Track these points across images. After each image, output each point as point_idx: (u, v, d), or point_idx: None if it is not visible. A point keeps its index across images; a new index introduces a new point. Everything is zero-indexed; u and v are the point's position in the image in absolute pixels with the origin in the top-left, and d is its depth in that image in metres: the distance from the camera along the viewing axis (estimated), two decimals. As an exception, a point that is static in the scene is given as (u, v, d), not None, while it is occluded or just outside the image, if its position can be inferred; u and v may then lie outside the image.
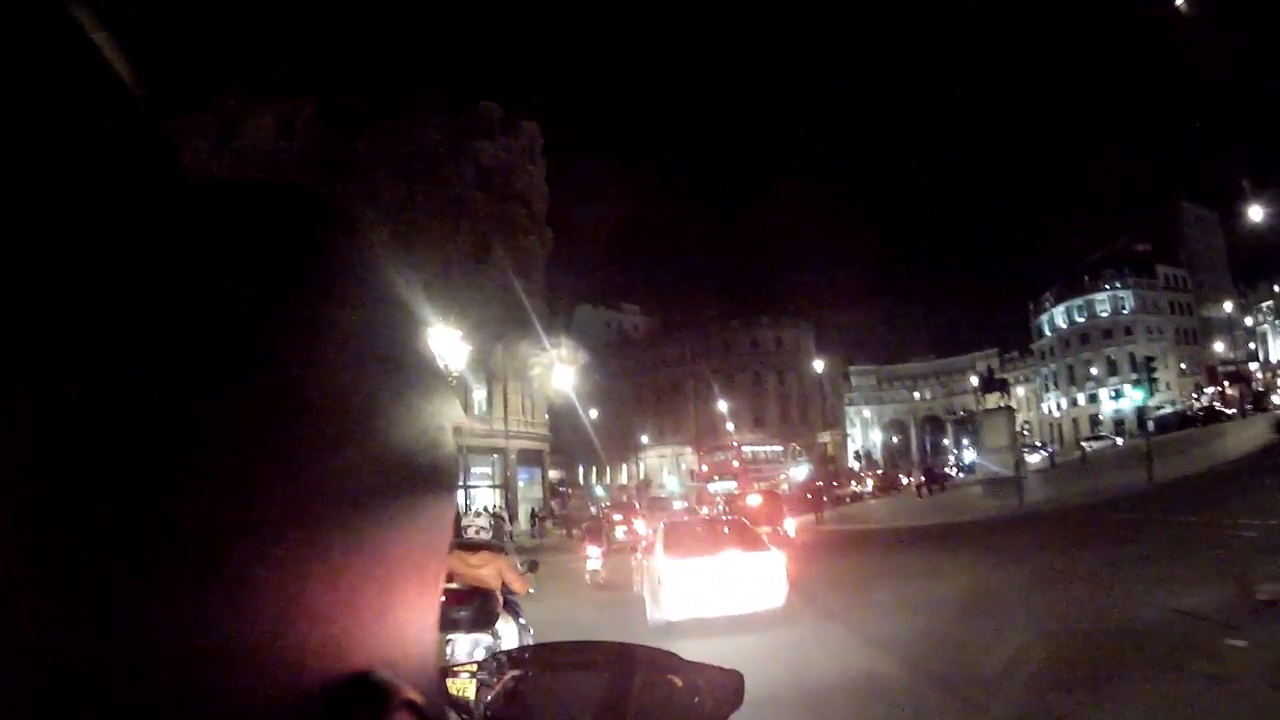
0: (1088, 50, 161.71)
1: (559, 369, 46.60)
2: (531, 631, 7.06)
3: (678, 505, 50.07)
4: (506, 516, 40.73)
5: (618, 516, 33.17)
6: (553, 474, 68.17)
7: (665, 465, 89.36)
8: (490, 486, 47.62)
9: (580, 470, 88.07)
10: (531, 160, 54.08)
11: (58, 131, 0.39)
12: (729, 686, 1.37)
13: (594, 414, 74.52)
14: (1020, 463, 44.56)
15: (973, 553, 18.19)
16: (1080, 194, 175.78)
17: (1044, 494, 28.47)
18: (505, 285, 47.53)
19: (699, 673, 1.39)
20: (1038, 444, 72.07)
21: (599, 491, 70.51)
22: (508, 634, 6.46)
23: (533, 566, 7.84)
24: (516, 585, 6.66)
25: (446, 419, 0.66)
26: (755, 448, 51.80)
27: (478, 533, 7.40)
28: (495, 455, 46.80)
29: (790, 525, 24.13)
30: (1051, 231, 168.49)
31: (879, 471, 75.46)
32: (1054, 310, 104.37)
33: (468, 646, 5.77)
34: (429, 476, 0.62)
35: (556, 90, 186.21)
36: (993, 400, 53.66)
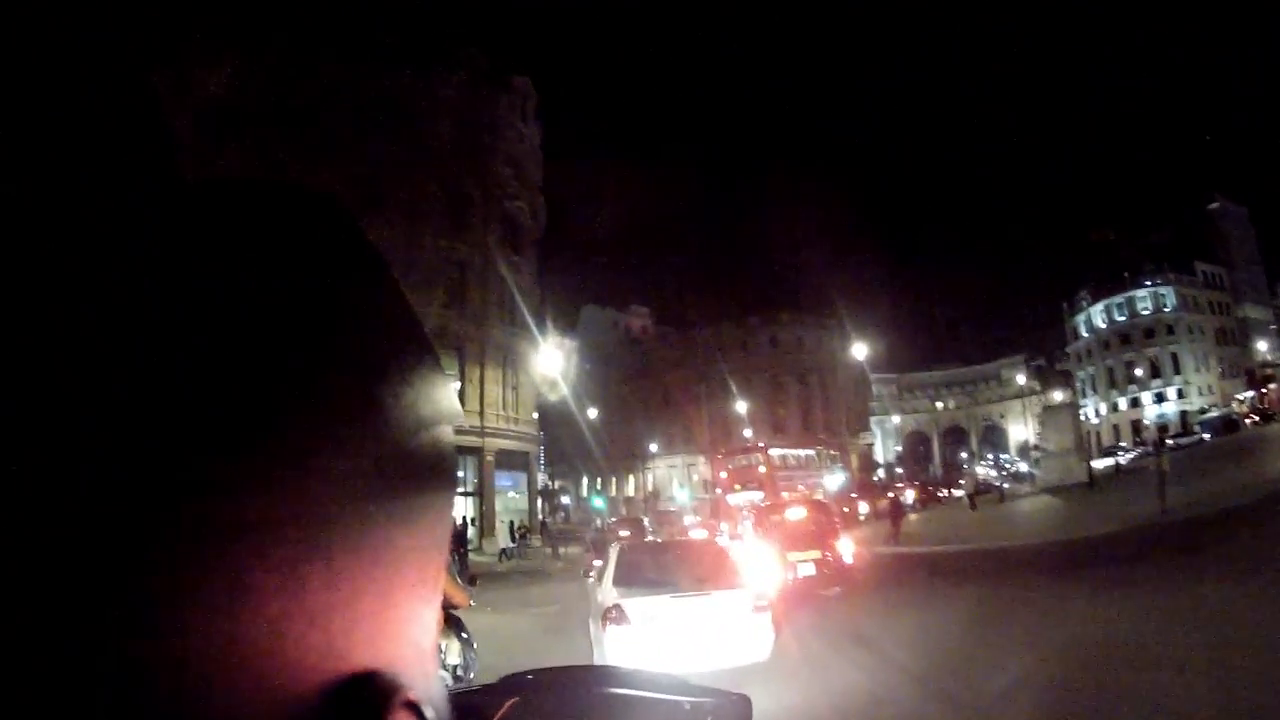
0: (1113, 43, 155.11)
1: (549, 357, 38.90)
2: (475, 645, 7.50)
3: (688, 520, 43.58)
4: (466, 530, 34.02)
5: (625, 532, 31.21)
6: (553, 482, 61.67)
7: (675, 476, 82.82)
8: (461, 493, 39.56)
9: (584, 481, 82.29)
10: (523, 119, 46.84)
11: (56, 132, 0.39)
12: (735, 710, 1.35)
13: (598, 420, 68.58)
14: (1090, 465, 38.21)
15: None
16: (1107, 192, 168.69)
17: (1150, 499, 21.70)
18: (486, 256, 40.38)
19: (704, 695, 1.37)
20: (1122, 445, 65.46)
21: (598, 503, 64.17)
22: (450, 649, 6.84)
23: (471, 580, 7.92)
24: (456, 598, 6.78)
25: (447, 418, 0.66)
26: (784, 451, 43.78)
27: None
28: (469, 456, 39.22)
29: (846, 548, 16.85)
30: (1079, 233, 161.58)
31: (919, 482, 67.93)
32: (1091, 309, 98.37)
33: None
34: (429, 475, 0.62)
35: (561, 81, 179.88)
36: (1041, 397, 46.66)
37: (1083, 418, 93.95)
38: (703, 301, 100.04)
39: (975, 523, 31.08)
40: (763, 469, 39.61)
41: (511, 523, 38.18)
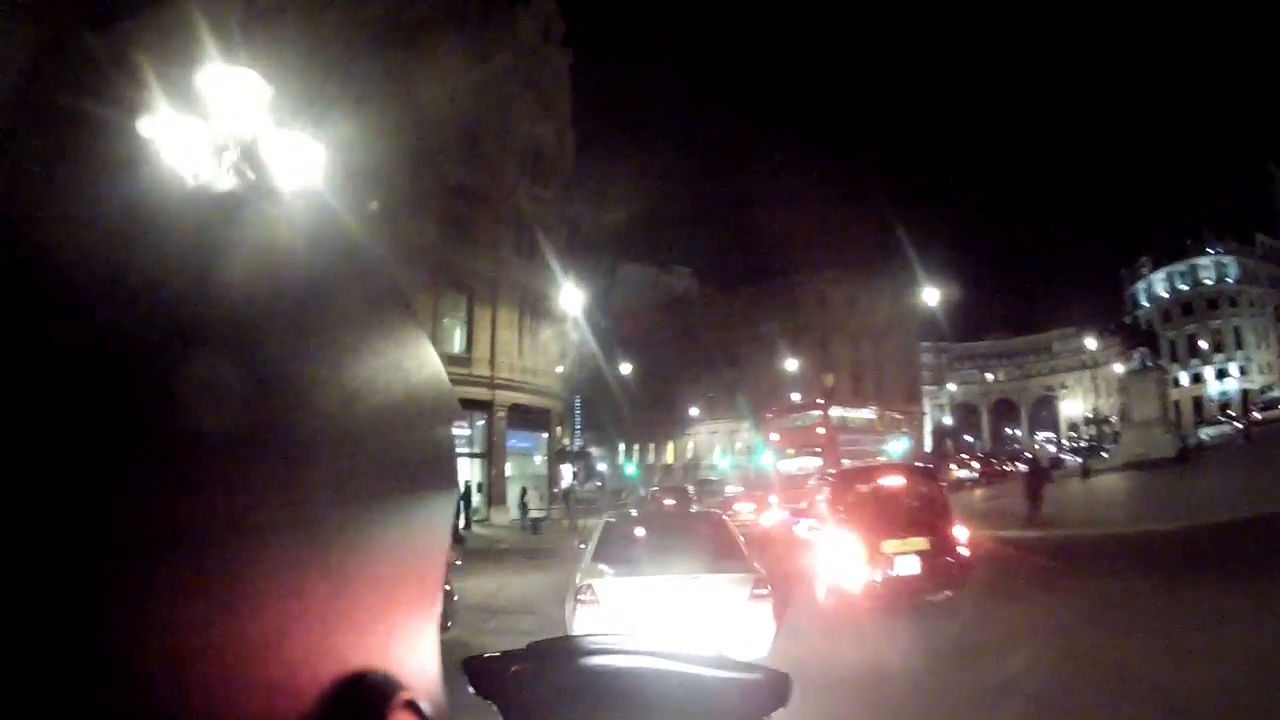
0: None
1: (573, 300, 33.12)
2: (456, 597, 8.74)
3: (730, 490, 39.15)
4: (470, 494, 29.37)
5: (669, 501, 29.43)
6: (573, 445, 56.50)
7: (717, 442, 78.56)
8: (467, 454, 33.84)
9: (620, 448, 78.00)
10: (545, 39, 41.39)
11: (62, 134, 0.40)
12: (774, 685, 1.36)
13: (636, 384, 64.06)
14: (1187, 436, 36.31)
15: None
16: (1164, 161, 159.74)
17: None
18: (502, 185, 35.28)
19: (743, 670, 1.40)
20: (1229, 415, 60.73)
21: (631, 471, 59.39)
22: None
23: (458, 539, 8.67)
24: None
25: (446, 417, 0.67)
26: (844, 411, 37.50)
27: None
28: (475, 411, 33.53)
29: (962, 534, 11.81)
30: (1138, 198, 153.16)
31: (981, 455, 62.61)
32: (1153, 277, 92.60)
33: None
34: (428, 476, 0.62)
35: (602, 27, 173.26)
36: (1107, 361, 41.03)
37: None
38: (747, 260, 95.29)
39: (1097, 500, 25.89)
40: (822, 430, 33.46)
41: (524, 490, 32.84)
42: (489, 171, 35.07)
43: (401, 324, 0.60)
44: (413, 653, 0.59)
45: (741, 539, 9.40)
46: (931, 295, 36.44)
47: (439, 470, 0.63)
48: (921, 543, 11.21)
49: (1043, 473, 23.00)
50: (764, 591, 8.08)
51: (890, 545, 11.10)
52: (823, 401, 39.11)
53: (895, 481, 13.05)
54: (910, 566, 11.04)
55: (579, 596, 8.07)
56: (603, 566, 8.47)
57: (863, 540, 11.18)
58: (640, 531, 9.82)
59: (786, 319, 75.45)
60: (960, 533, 11.61)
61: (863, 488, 12.93)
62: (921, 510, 12.11)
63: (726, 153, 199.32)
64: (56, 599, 0.33)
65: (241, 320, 0.44)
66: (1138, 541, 15.38)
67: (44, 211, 0.38)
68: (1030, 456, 27.19)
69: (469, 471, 33.17)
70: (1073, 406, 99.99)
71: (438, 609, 0.66)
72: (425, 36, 33.56)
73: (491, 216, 34.78)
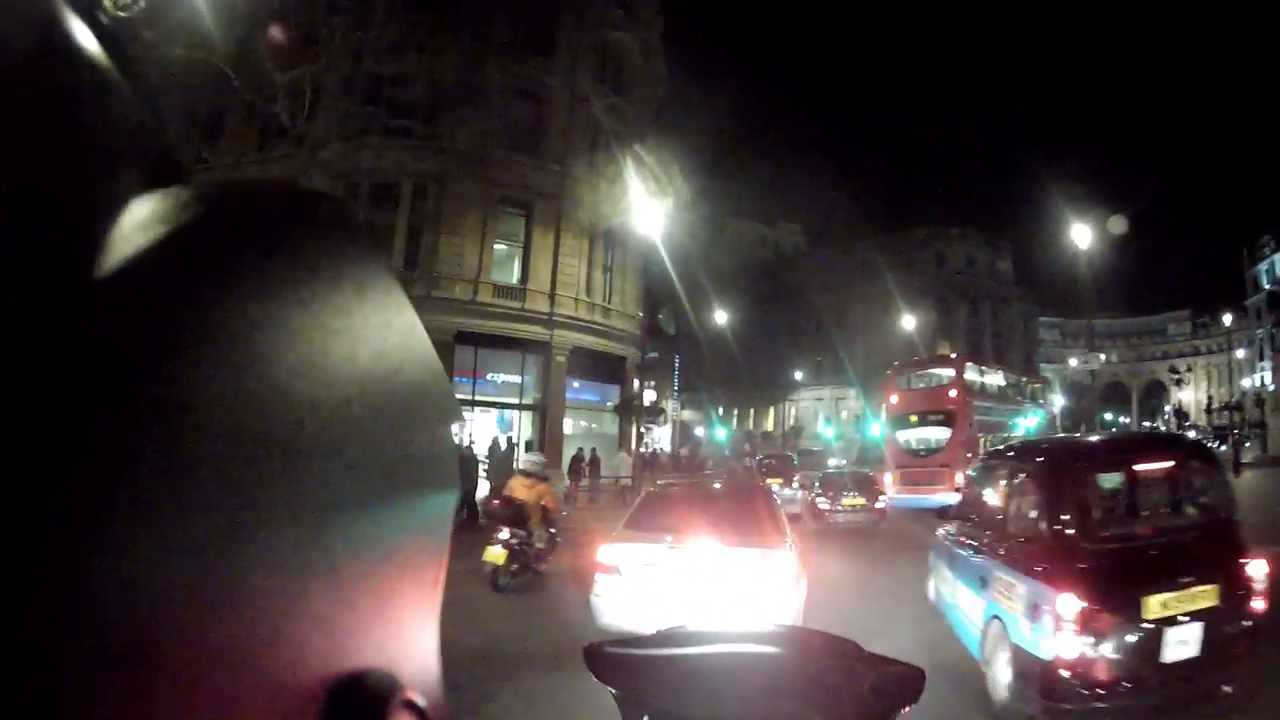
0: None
1: (653, 222, 26.84)
2: (558, 540, 11.60)
3: (833, 463, 33.54)
4: (512, 452, 25.24)
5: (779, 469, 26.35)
6: (686, 414, 51.57)
7: (821, 410, 73.60)
8: (516, 405, 28.42)
9: (719, 412, 73.23)
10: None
11: (50, 126, 0.39)
12: (907, 681, 1.37)
13: (738, 345, 59.18)
14: None
15: None
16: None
17: None
18: (574, 92, 29.81)
19: (877, 664, 1.41)
20: None
21: (720, 436, 55.54)
22: (539, 536, 11.07)
23: (567, 495, 11.16)
24: (551, 505, 11.43)
25: (447, 417, 0.68)
26: (979, 374, 29.51)
27: (531, 465, 12.23)
28: (529, 354, 28.08)
29: (1259, 572, 5.77)
30: (1258, 178, 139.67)
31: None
32: (1275, 257, 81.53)
33: (504, 534, 10.47)
34: (429, 477, 0.63)
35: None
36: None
37: (1259, 383, 79.22)
38: (860, 215, 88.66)
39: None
40: (954, 393, 26.20)
41: (580, 450, 27.05)
42: (560, 75, 29.64)
43: (403, 324, 0.60)
44: (413, 652, 0.59)
45: (782, 513, 8.99)
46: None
47: (439, 470, 0.63)
48: (1208, 595, 5.54)
49: None
50: (793, 569, 7.73)
51: (1158, 604, 5.39)
52: (954, 357, 32.37)
53: (1155, 467, 6.57)
54: (1189, 643, 5.43)
55: (598, 559, 8.10)
56: (628, 532, 8.49)
57: (1100, 591, 5.35)
58: (678, 502, 9.48)
59: (902, 277, 69.48)
60: (1258, 570, 5.83)
61: (1099, 479, 6.49)
62: (1200, 529, 6.25)
63: (845, 93, 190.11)
64: (55, 600, 0.33)
65: (238, 319, 0.43)
66: None
67: (38, 208, 0.37)
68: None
69: (515, 427, 27.99)
70: (1187, 394, 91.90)
71: (438, 608, 0.66)
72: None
73: (560, 126, 29.35)
